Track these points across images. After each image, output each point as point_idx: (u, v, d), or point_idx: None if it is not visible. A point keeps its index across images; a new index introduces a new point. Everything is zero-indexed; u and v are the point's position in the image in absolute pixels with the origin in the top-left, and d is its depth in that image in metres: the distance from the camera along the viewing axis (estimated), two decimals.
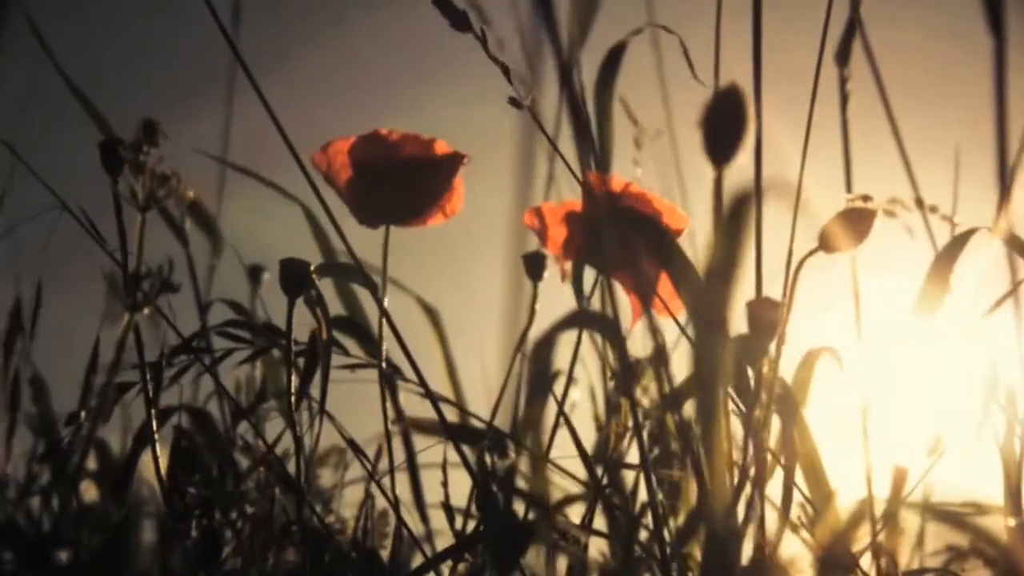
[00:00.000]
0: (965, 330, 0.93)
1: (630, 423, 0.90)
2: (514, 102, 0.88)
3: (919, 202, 0.96)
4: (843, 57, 0.99)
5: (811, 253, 0.84)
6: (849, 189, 1.02)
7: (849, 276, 1.01)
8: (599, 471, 0.92)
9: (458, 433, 0.94)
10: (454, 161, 0.98)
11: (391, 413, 0.97)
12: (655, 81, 1.14)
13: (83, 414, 0.90)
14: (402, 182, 0.97)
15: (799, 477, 0.90)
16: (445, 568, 0.93)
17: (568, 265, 0.96)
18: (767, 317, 0.83)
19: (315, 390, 0.90)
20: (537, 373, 0.73)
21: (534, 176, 1.10)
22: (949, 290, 0.90)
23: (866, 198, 0.82)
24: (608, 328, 0.89)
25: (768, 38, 0.93)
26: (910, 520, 0.96)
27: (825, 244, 0.84)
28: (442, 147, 0.98)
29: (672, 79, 1.13)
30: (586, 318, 0.89)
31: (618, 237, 0.85)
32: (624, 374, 0.93)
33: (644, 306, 0.92)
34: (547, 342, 0.73)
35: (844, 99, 0.99)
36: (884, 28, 1.02)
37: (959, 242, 0.91)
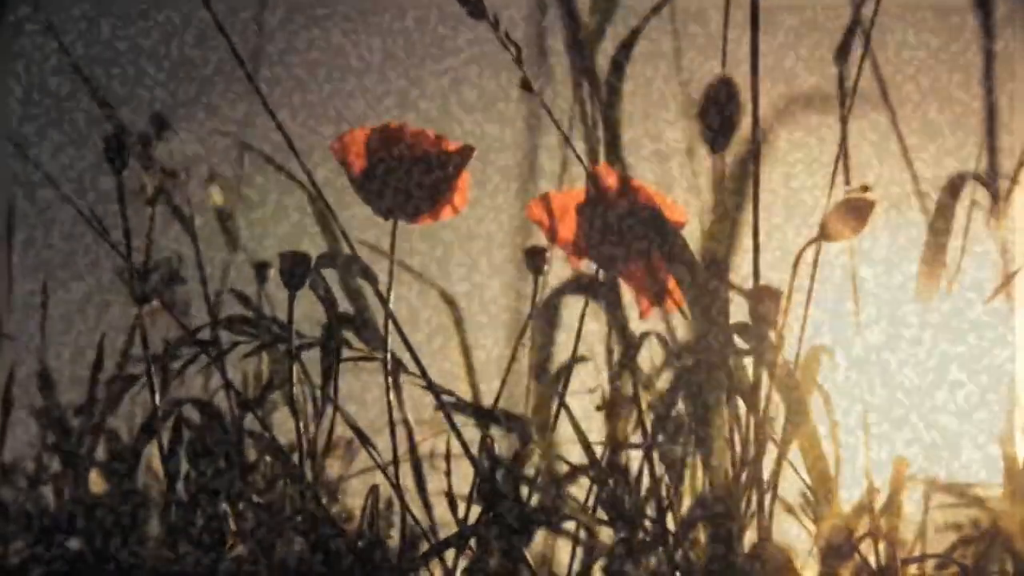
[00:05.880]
0: (965, 318, 0.94)
1: (630, 394, 0.90)
2: (526, 84, 0.88)
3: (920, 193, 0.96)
4: (842, 55, 1.00)
5: (811, 242, 0.85)
6: (848, 183, 1.03)
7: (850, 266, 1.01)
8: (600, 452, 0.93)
9: (481, 417, 0.94)
10: (463, 155, 1.00)
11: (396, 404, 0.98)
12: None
13: (93, 406, 0.91)
14: (412, 175, 0.99)
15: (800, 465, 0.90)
16: (449, 557, 0.94)
17: (580, 263, 0.97)
18: (767, 306, 0.84)
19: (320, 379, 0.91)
20: (544, 332, 0.73)
21: (536, 169, 1.11)
22: (945, 264, 0.91)
23: (865, 188, 0.83)
24: (608, 295, 0.89)
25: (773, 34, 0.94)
26: (911, 508, 0.97)
27: (825, 233, 0.85)
28: (450, 143, 1.00)
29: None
30: (588, 283, 0.89)
31: (628, 232, 0.86)
32: (625, 343, 0.93)
33: (657, 302, 0.92)
34: (551, 305, 0.74)
35: (843, 97, 1.00)
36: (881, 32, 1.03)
37: (947, 205, 0.91)
